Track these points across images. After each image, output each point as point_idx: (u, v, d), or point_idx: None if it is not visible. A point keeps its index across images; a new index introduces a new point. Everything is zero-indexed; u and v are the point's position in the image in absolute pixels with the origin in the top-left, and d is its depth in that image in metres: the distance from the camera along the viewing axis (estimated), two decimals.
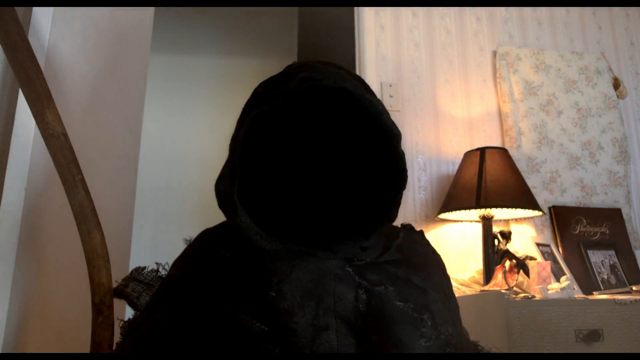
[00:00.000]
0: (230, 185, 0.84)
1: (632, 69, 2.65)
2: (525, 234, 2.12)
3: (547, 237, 2.13)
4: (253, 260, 0.85)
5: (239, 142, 0.83)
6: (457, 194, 1.90)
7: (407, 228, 1.04)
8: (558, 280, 1.78)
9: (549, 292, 1.57)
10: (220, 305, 0.79)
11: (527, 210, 1.85)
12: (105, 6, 1.44)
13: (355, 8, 2.38)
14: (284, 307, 0.80)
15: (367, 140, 0.94)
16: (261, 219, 0.85)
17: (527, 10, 2.56)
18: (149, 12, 1.91)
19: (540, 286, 1.59)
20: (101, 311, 0.78)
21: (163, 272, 0.96)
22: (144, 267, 0.91)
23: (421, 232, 1.05)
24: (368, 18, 2.32)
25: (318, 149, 0.92)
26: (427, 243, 1.04)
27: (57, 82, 1.13)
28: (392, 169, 0.90)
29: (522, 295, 1.55)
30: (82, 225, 0.80)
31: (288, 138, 0.93)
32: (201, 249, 0.89)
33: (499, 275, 1.77)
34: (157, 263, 0.91)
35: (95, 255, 0.77)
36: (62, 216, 1.07)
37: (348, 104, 0.91)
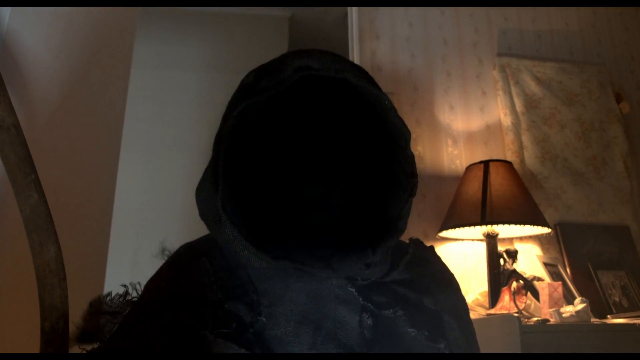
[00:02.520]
0: (213, 191, 0.71)
1: (634, 83, 2.57)
2: (530, 253, 2.00)
3: (553, 257, 2.01)
4: (240, 279, 0.72)
5: (223, 140, 0.70)
6: (460, 210, 1.77)
7: (416, 243, 0.91)
8: (568, 302, 1.65)
9: (563, 315, 1.44)
10: (201, 332, 0.66)
11: (535, 227, 1.73)
12: (80, 6, 1.33)
13: (349, 18, 2.29)
14: (277, 335, 0.68)
15: (372, 139, 0.82)
16: (249, 231, 0.72)
17: (526, 22, 2.48)
18: (132, 12, 1.80)
19: (553, 309, 1.47)
20: (51, 341, 0.64)
21: (135, 295, 0.82)
22: (108, 294, 0.77)
23: (432, 248, 0.93)
24: (363, 27, 2.23)
25: (315, 149, 0.80)
26: (439, 260, 0.92)
27: (17, 73, 1.00)
28: (401, 174, 0.78)
29: (535, 319, 1.42)
30: (33, 235, 0.66)
31: (280, 136, 0.80)
32: (178, 267, 0.75)
33: (505, 298, 1.64)
34: (124, 285, 0.77)
35: (48, 271, 0.63)
36: (15, 224, 0.92)
37: (350, 98, 0.79)
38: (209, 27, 3.35)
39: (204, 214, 0.76)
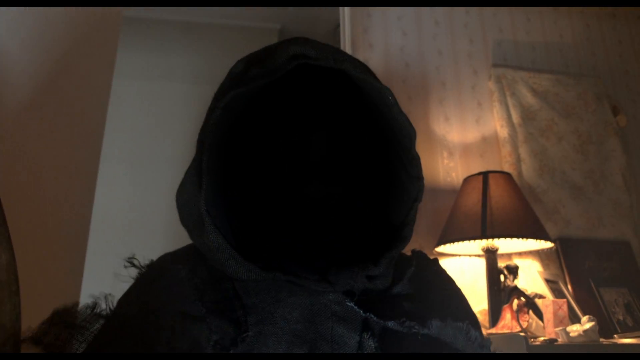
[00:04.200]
0: (195, 192, 0.62)
1: (630, 97, 2.54)
2: (530, 269, 1.92)
3: (553, 273, 1.93)
4: (224, 292, 0.63)
5: (208, 134, 0.62)
6: (458, 224, 1.69)
7: (420, 255, 0.83)
8: (571, 321, 1.57)
9: (571, 334, 1.36)
10: (180, 353, 0.57)
11: (538, 241, 1.65)
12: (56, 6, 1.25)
13: (342, 26, 2.23)
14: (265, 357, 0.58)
15: (373, 138, 0.74)
16: (236, 238, 0.64)
17: (521, 34, 2.44)
18: (114, 17, 1.72)
19: (560, 328, 1.38)
20: None
21: (104, 308, 0.72)
22: (74, 305, 0.67)
23: (436, 261, 0.85)
24: (356, 36, 2.17)
25: (310, 147, 0.72)
26: (445, 273, 0.84)
27: None
28: (405, 177, 0.70)
29: (541, 338, 1.33)
30: None
31: (272, 130, 0.72)
32: (150, 278, 0.66)
33: (507, 316, 1.56)
34: (93, 295, 0.67)
35: None
36: None
37: (349, 91, 0.72)
38: (197, 39, 3.29)
39: (185, 219, 0.67)
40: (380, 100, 0.66)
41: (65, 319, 0.64)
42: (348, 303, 0.64)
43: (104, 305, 0.69)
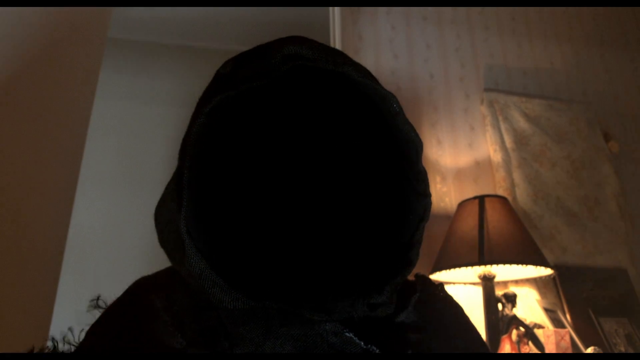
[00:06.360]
0: (175, 210, 0.55)
1: (620, 123, 2.52)
2: (528, 297, 1.84)
3: (551, 302, 1.86)
4: (207, 321, 0.56)
5: (190, 144, 0.55)
6: (454, 250, 1.62)
7: (424, 279, 0.76)
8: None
9: None
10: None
11: (538, 267, 1.58)
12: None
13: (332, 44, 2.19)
14: None
15: (376, 150, 0.68)
16: (221, 262, 0.57)
17: (512, 59, 2.43)
18: (99, 35, 1.67)
19: None
20: None
21: (67, 348, 0.63)
22: (30, 351, 0.58)
23: (442, 285, 0.78)
24: None
25: (306, 159, 0.65)
26: (452, 300, 0.77)
27: None
28: (410, 193, 0.64)
29: None
30: None
31: (264, 140, 0.65)
32: (121, 306, 0.58)
33: (506, 347, 1.48)
34: (53, 340, 0.58)
35: None
36: None
37: (350, 97, 0.65)
38: (181, 62, 3.25)
39: (164, 240, 0.59)
40: (384, 108, 0.60)
41: None
42: (347, 334, 0.57)
43: (65, 345, 0.60)
